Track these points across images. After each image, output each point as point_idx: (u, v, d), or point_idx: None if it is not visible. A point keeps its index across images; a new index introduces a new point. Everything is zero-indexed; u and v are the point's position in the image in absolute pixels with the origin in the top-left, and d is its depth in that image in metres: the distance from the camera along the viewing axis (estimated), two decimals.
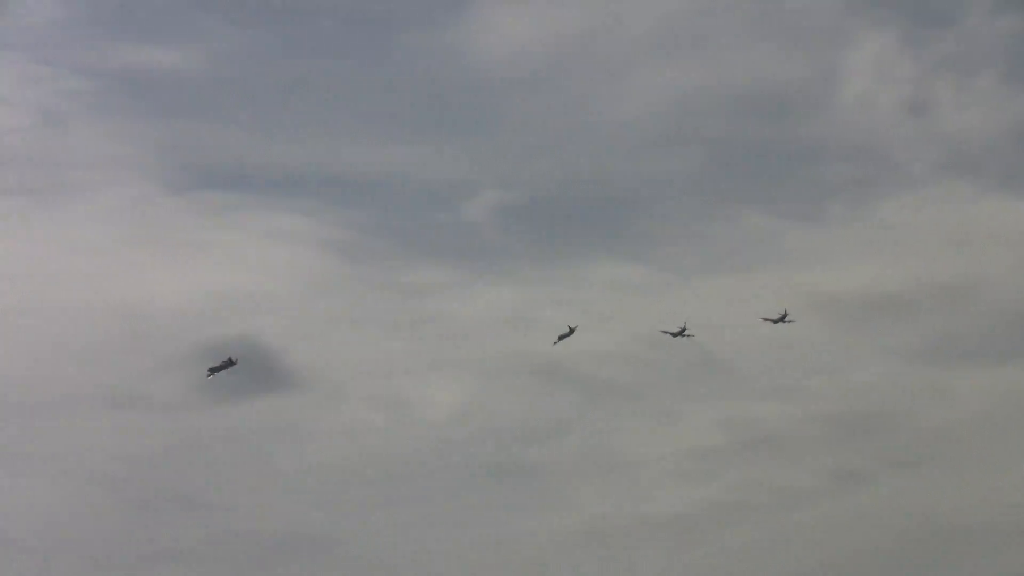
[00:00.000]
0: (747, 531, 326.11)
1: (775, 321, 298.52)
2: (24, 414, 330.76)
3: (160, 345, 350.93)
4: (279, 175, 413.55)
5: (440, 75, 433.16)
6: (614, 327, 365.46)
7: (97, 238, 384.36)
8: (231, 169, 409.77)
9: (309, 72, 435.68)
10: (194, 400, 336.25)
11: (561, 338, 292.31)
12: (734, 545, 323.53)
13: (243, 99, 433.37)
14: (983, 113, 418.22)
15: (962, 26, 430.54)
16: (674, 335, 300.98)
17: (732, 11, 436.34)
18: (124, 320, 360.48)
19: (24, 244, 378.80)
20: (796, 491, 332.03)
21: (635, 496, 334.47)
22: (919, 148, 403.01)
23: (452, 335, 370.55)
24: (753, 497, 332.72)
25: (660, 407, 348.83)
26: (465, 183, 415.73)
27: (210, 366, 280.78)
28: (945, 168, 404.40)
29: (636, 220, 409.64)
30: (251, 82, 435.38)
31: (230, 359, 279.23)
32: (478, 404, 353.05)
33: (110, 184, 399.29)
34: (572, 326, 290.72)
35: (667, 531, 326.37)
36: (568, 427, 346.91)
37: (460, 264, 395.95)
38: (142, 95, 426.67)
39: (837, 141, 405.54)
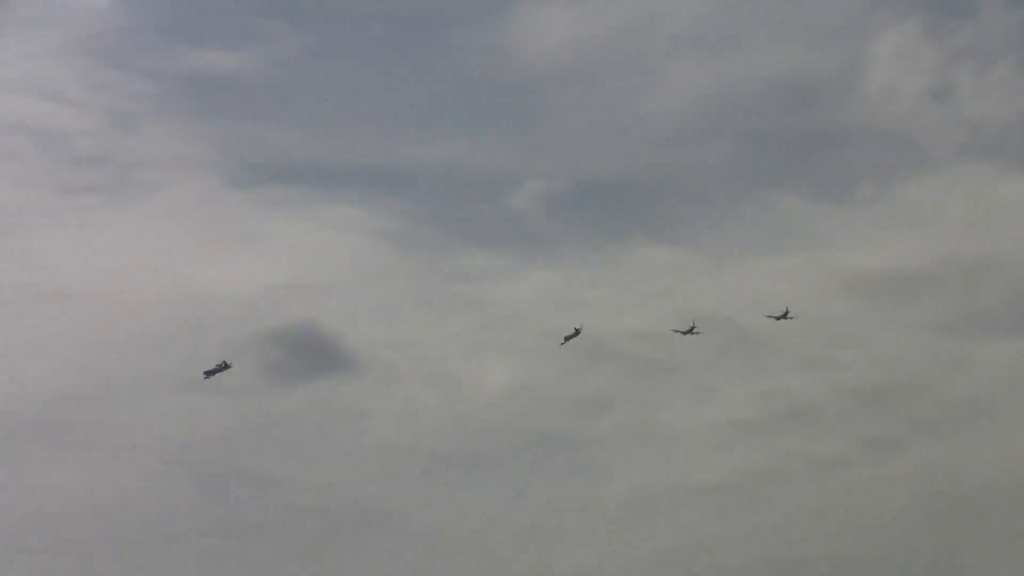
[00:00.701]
0: (783, 498, 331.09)
1: (778, 318, 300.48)
2: (100, 399, 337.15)
3: (226, 331, 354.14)
4: (335, 170, 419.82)
5: (486, 72, 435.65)
6: (653, 307, 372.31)
7: (165, 233, 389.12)
8: (290, 165, 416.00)
9: (362, 72, 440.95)
10: (259, 384, 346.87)
11: (567, 339, 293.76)
12: (771, 512, 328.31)
13: (300, 98, 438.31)
14: (1001, 99, 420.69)
15: (980, 18, 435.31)
16: (684, 333, 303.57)
17: (762, 8, 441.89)
18: (192, 309, 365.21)
19: (97, 240, 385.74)
20: (829, 460, 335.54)
21: (676, 467, 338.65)
22: (941, 133, 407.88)
23: (500, 317, 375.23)
24: (788, 466, 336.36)
25: (698, 382, 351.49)
26: (511, 174, 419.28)
27: (206, 369, 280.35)
28: (966, 151, 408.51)
29: (673, 206, 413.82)
30: (308, 82, 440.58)
31: (224, 363, 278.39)
32: (526, 382, 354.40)
33: (176, 182, 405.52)
34: (577, 327, 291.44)
35: (707, 500, 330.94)
36: (611, 402, 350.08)
37: (507, 250, 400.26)
38: (205, 97, 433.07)
39: (863, 127, 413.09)
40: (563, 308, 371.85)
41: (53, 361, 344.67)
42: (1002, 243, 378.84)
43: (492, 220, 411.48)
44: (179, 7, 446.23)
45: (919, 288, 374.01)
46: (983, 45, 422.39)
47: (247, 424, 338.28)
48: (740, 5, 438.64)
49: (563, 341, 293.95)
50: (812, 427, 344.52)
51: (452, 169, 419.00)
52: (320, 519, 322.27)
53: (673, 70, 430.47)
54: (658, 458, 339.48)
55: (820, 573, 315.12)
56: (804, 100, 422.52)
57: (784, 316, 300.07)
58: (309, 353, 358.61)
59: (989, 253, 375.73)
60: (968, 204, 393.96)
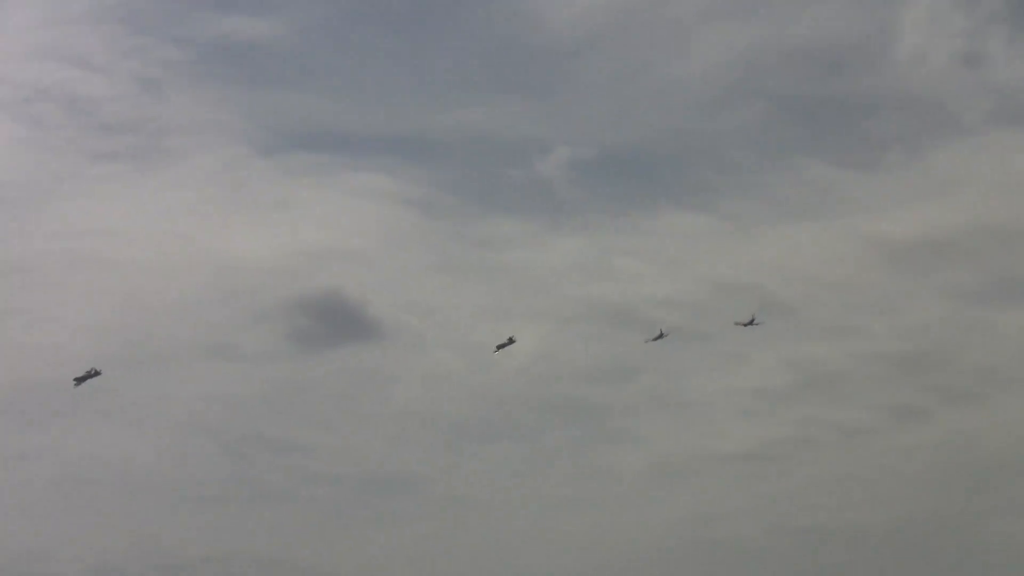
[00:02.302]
0: (809, 467, 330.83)
1: (745, 324, 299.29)
2: (124, 365, 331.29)
3: (251, 298, 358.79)
4: (361, 136, 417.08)
5: (512, 38, 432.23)
6: (681, 274, 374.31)
7: (192, 200, 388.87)
8: (316, 132, 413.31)
9: (389, 38, 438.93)
10: (284, 350, 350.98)
11: (500, 347, 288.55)
12: (797, 481, 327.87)
13: (328, 65, 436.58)
14: None
15: None
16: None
17: None
18: (217, 275, 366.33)
19: (123, 206, 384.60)
20: (857, 428, 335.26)
21: (703, 434, 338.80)
22: (972, 99, 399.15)
23: (527, 284, 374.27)
24: (815, 435, 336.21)
25: (726, 349, 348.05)
26: (538, 140, 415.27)
27: (75, 376, 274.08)
28: (997, 118, 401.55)
29: (701, 172, 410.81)
30: (335, 49, 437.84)
31: (94, 369, 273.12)
32: (552, 349, 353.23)
33: (204, 148, 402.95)
34: (512, 337, 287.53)
35: (732, 468, 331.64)
36: (638, 369, 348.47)
37: (534, 217, 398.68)
38: (233, 63, 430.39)
39: (893, 93, 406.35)
40: (590, 275, 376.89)
41: (80, 328, 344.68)
42: None
43: (519, 187, 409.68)
44: None
45: (948, 255, 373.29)
46: (1015, 10, 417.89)
47: (272, 391, 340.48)
48: None
49: (496, 350, 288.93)
50: (839, 395, 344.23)
51: (479, 136, 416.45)
52: (343, 485, 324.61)
53: (702, 35, 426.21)
54: (683, 426, 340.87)
55: (846, 542, 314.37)
56: (833, 65, 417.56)
57: (751, 323, 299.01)
58: (335, 320, 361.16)
59: (1020, 220, 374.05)
60: (998, 171, 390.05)
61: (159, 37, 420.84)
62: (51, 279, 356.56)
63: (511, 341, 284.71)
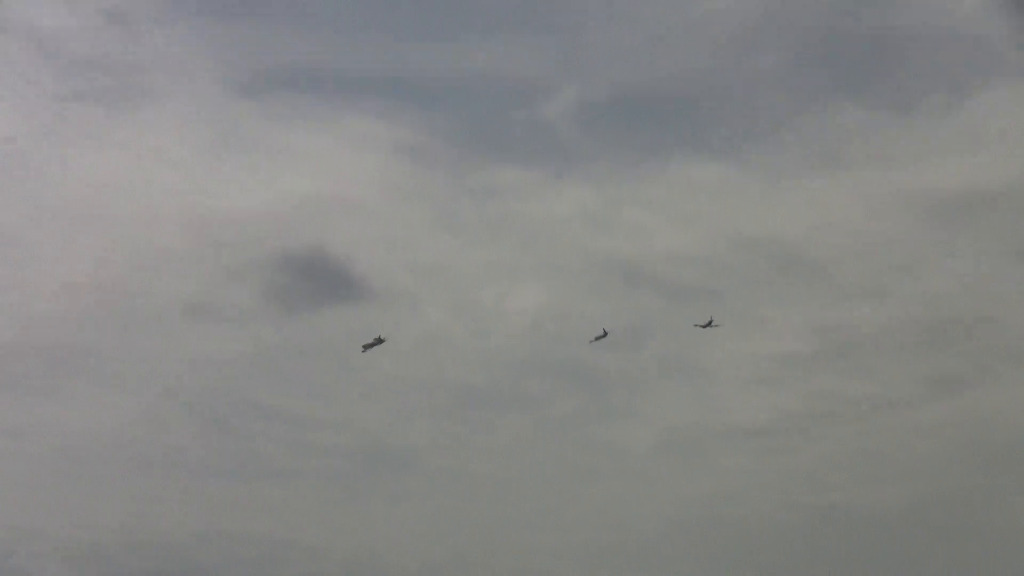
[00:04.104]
0: (834, 442, 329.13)
1: (703, 326, 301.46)
2: (97, 325, 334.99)
3: (232, 253, 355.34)
4: (350, 76, 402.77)
5: None
6: (697, 229, 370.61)
7: (165, 145, 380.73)
8: (302, 72, 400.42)
9: None
10: (269, 310, 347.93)
11: (367, 347, 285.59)
12: (821, 457, 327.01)
13: None
14: None
15: None
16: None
17: None
18: (195, 228, 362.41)
19: (92, 151, 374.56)
20: (888, 400, 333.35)
21: (717, 406, 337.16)
22: (1020, 38, 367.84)
23: (531, 238, 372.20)
24: (840, 407, 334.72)
25: (744, 312, 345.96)
26: (543, 81, 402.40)
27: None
28: None
29: (721, 117, 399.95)
30: None
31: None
32: (558, 309, 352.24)
33: (178, 89, 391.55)
34: (382, 336, 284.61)
35: (750, 442, 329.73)
36: (648, 333, 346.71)
37: (539, 165, 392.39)
38: None
39: (934, 31, 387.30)
40: (598, 229, 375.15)
41: (48, 285, 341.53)
42: None
43: (522, 132, 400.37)
44: None
45: (992, 210, 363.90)
46: None
47: (255, 355, 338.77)
48: None
49: (363, 350, 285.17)
50: (868, 363, 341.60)
51: (478, 77, 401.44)
52: (334, 458, 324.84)
53: None
54: (698, 395, 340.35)
55: (874, 523, 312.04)
56: None
57: (709, 324, 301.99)
58: (321, 278, 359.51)
59: None
60: None
61: None
62: (9, 234, 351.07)
63: (380, 340, 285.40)
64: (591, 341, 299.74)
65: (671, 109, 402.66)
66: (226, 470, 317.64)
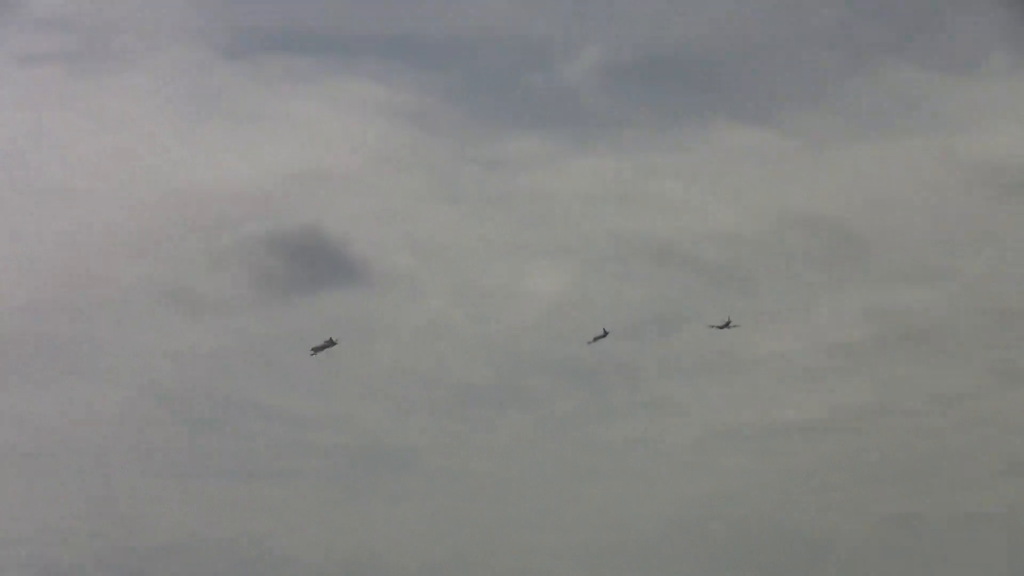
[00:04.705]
0: (892, 440, 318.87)
1: (720, 327, 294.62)
2: (66, 313, 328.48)
3: (215, 233, 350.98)
4: (347, 35, 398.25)
5: None
6: (735, 204, 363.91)
7: (142, 112, 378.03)
8: (293, 30, 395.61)
9: None
10: (253, 297, 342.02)
11: (316, 350, 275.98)
12: (876, 457, 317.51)
13: None
14: None
15: None
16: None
17: None
18: (174, 205, 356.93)
19: (62, 118, 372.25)
20: (950, 392, 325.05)
21: (760, 401, 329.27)
22: None
23: (547, 215, 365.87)
24: (899, 401, 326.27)
25: (790, 296, 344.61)
26: (562, 40, 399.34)
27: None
28: None
29: (761, 79, 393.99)
30: None
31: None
32: (576, 296, 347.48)
33: (157, 49, 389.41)
34: (334, 338, 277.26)
35: (796, 441, 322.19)
36: (680, 321, 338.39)
37: (556, 133, 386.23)
38: None
39: None
40: (623, 204, 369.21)
41: (12, 267, 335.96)
42: None
43: (537, 97, 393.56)
44: None
45: None
46: None
47: (238, 347, 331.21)
48: None
49: (312, 352, 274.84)
50: (929, 352, 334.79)
51: (489, 34, 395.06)
52: (327, 458, 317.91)
53: None
54: (738, 389, 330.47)
55: (938, 532, 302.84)
56: None
57: (726, 326, 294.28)
58: (313, 261, 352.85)
59: None
60: None
61: None
62: None
63: (332, 343, 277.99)
64: (589, 342, 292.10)
65: (705, 70, 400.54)
66: (210, 472, 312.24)
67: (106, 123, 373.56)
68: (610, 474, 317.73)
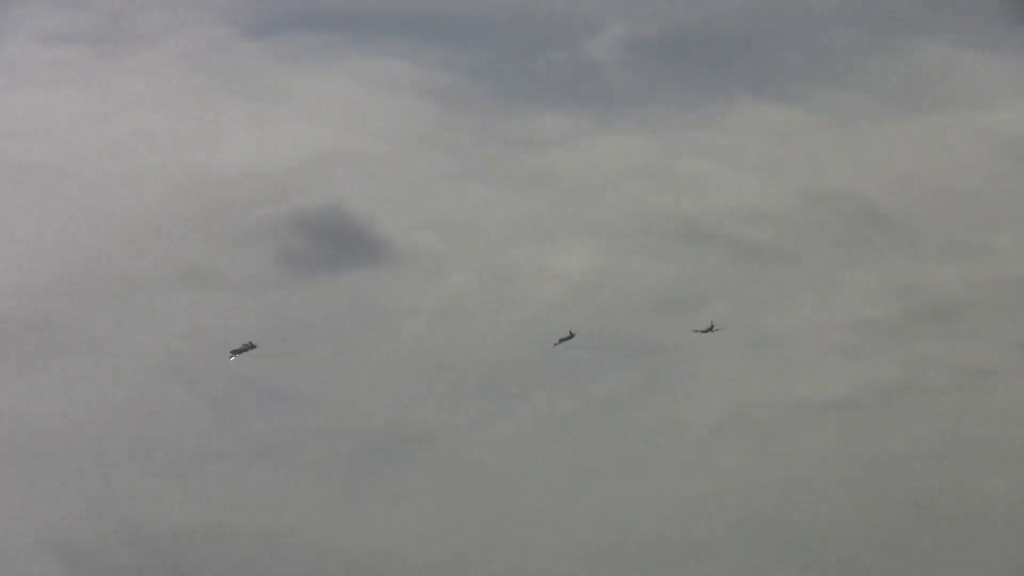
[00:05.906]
0: (921, 419, 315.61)
1: (704, 332, 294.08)
2: (85, 295, 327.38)
3: (237, 213, 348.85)
4: (370, 12, 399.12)
5: None
6: (763, 181, 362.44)
7: (163, 91, 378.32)
8: (315, 7, 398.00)
9: None
10: (275, 277, 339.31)
11: (235, 353, 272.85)
12: (906, 436, 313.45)
13: None
14: None
15: None
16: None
17: None
18: (195, 185, 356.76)
19: (81, 98, 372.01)
20: (979, 370, 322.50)
21: (790, 378, 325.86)
22: None
23: (573, 193, 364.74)
24: (928, 378, 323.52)
25: (819, 273, 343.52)
26: (587, 16, 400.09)
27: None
28: None
29: (789, 55, 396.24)
30: None
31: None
32: (604, 276, 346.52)
33: (178, 28, 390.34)
34: (252, 342, 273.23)
35: (825, 419, 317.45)
36: (708, 299, 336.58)
37: (582, 111, 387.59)
38: None
39: None
40: (652, 181, 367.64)
41: (30, 249, 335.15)
42: None
43: (563, 74, 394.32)
44: None
45: None
46: None
47: (260, 328, 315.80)
48: None
49: (231, 356, 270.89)
50: (958, 329, 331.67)
51: (513, 10, 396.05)
52: (346, 442, 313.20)
53: None
54: (768, 366, 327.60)
55: (970, 514, 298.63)
56: None
57: (710, 329, 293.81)
58: (336, 240, 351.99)
59: None
60: None
61: None
62: None
63: (249, 347, 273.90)
64: (555, 344, 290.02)
65: (730, 47, 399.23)
66: (228, 456, 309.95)
67: (129, 103, 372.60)
68: (644, 460, 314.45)
